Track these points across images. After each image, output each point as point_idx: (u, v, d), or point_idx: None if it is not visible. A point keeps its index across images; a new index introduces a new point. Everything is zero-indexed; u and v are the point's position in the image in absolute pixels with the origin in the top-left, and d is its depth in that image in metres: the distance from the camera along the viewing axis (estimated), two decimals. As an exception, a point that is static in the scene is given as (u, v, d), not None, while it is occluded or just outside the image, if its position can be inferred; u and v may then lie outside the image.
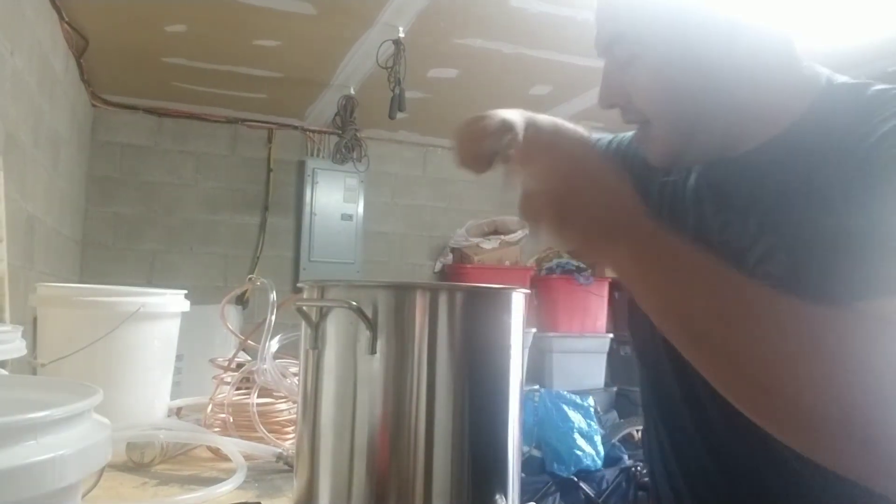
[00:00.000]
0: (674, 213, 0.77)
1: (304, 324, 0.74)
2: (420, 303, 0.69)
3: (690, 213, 0.74)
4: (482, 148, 0.75)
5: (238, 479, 0.85)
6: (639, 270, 0.59)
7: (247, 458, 0.92)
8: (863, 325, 0.54)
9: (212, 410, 1.07)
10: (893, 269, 0.55)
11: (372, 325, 0.68)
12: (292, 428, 1.04)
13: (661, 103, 0.68)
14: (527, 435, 2.80)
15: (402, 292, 0.70)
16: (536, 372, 3.56)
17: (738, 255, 0.67)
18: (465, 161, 0.79)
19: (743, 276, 0.57)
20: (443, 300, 0.70)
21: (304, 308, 0.73)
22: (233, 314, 3.26)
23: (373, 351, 0.68)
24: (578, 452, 2.85)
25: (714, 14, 0.65)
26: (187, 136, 3.63)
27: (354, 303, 0.68)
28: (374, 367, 0.69)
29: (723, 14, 0.64)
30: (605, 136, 0.93)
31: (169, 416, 1.17)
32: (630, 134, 0.85)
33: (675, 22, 0.65)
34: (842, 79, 0.69)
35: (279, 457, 0.94)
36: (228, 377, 1.10)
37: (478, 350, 0.71)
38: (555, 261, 3.73)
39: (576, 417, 2.97)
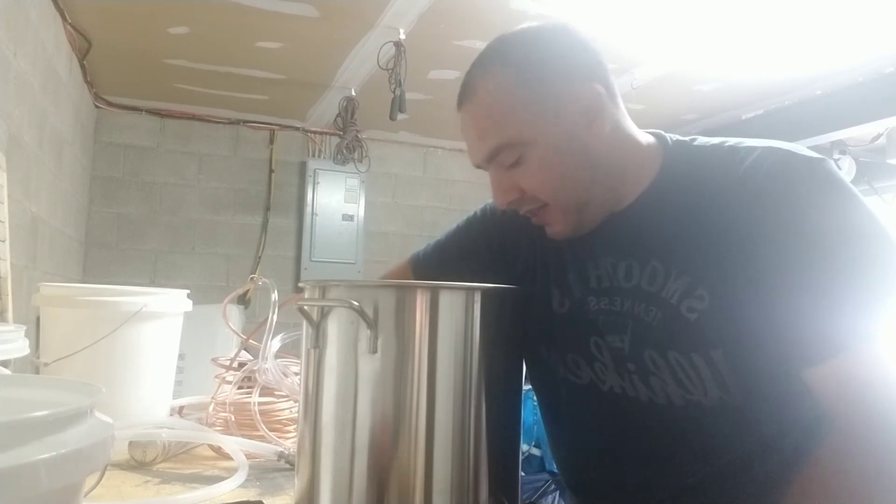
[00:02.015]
0: (578, 271, 0.84)
1: (305, 323, 0.75)
2: (420, 303, 0.70)
3: (590, 269, 0.82)
4: None
5: (240, 477, 0.86)
6: None
7: (248, 456, 0.92)
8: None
9: (213, 409, 1.07)
10: (832, 329, 0.63)
11: (373, 325, 0.68)
12: (294, 427, 1.04)
13: (555, 186, 0.78)
14: (526, 434, 2.80)
15: (402, 292, 0.71)
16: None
17: (653, 296, 0.75)
18: None
19: None
20: (443, 300, 0.71)
21: (306, 308, 0.74)
22: (235, 314, 3.26)
23: (374, 350, 0.68)
24: (579, 452, 2.84)
25: (572, 107, 0.76)
26: (190, 137, 3.64)
27: (355, 302, 0.68)
28: (374, 366, 0.69)
29: (579, 105, 0.76)
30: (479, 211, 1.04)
31: (171, 414, 1.17)
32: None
33: (547, 120, 0.76)
34: (673, 136, 0.82)
35: (280, 455, 0.95)
36: (230, 376, 1.11)
37: (478, 349, 0.72)
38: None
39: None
